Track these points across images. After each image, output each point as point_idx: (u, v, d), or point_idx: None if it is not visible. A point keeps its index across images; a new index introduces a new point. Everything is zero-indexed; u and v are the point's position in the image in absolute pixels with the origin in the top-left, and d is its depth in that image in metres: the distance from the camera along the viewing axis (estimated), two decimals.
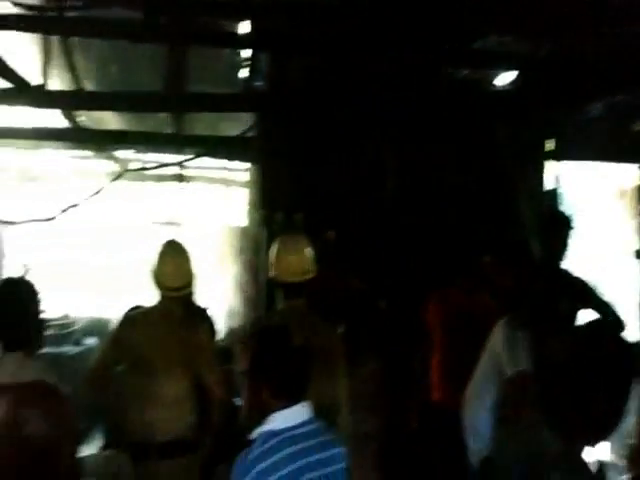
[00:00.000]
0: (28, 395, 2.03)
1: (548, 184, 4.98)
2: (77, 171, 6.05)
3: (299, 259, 2.91)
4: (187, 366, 3.00)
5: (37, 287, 2.19)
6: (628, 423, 1.70)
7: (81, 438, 5.78)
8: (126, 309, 3.23)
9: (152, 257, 3.11)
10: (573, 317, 3.15)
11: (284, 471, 1.80)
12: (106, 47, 4.64)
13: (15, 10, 3.39)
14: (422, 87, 3.90)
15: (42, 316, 2.20)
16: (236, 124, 4.84)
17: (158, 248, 3.12)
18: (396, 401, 3.89)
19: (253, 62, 4.25)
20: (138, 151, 5.23)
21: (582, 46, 3.46)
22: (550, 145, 4.79)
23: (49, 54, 4.03)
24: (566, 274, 3.33)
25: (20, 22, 3.28)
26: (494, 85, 4.40)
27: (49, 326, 4.31)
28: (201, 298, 3.83)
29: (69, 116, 4.83)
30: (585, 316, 3.17)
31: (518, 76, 4.17)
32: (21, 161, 6.28)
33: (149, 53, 4.75)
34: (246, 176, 6.69)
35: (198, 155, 4.52)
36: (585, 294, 3.27)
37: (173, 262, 3.06)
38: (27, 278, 2.40)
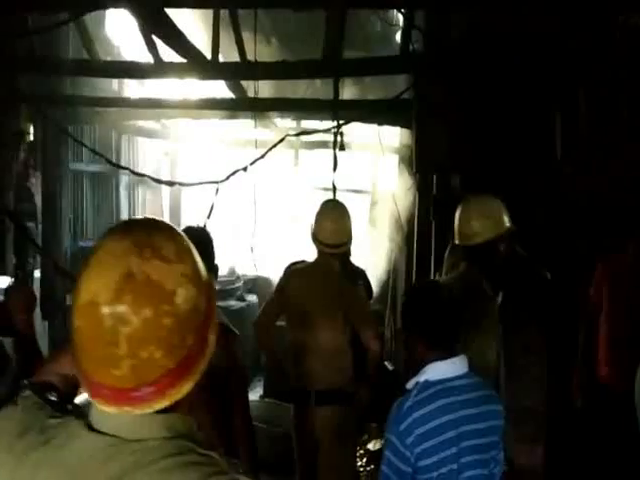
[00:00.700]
0: None
1: None
2: (241, 139, 6.48)
3: (494, 223, 2.74)
4: (344, 319, 3.13)
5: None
6: None
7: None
8: (288, 264, 3.42)
9: (312, 216, 3.27)
10: None
11: (439, 420, 1.82)
12: (269, 19, 4.89)
13: None
14: (595, 39, 3.62)
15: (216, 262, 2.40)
16: (386, 92, 4.87)
17: (318, 208, 3.27)
18: (560, 377, 3.73)
19: (409, 24, 4.23)
20: (296, 119, 5.46)
21: None
22: None
23: (218, 28, 4.33)
24: None
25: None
26: None
27: (217, 281, 4.71)
28: (357, 260, 3.97)
29: (234, 87, 5.18)
30: None
31: None
32: (193, 129, 6.83)
33: (307, 23, 4.93)
34: (397, 142, 6.72)
35: (351, 120, 4.61)
36: None
37: (332, 220, 3.19)
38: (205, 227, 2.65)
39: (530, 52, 3.74)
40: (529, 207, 4.03)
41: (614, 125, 3.85)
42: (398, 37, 4.57)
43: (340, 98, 4.66)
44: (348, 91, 5.12)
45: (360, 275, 3.83)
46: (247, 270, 6.91)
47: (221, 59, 4.38)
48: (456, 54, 3.91)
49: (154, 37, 4.27)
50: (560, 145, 3.97)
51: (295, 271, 3.28)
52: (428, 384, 1.87)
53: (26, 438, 0.95)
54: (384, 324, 6.33)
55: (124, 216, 7.76)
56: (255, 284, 7.19)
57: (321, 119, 5.39)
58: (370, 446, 4.88)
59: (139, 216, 1.02)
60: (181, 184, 4.57)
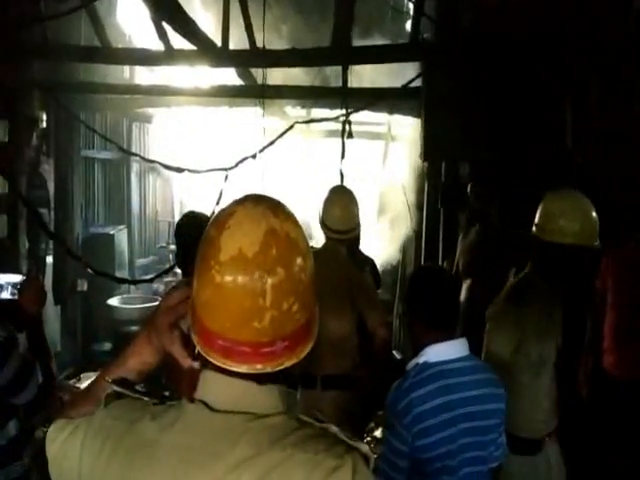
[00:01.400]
0: None
1: None
2: (251, 126, 6.49)
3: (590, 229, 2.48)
4: (351, 305, 3.14)
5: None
6: None
7: None
8: None
9: (320, 202, 3.29)
10: None
11: (437, 401, 1.83)
12: (278, 7, 4.89)
13: None
14: (608, 27, 3.59)
15: None
16: (397, 80, 4.86)
17: (326, 193, 3.29)
18: (566, 367, 3.73)
19: (419, 12, 4.22)
20: (305, 107, 5.47)
21: None
22: None
23: (228, 16, 4.34)
24: None
25: None
26: None
27: None
28: (366, 249, 3.98)
29: (244, 74, 5.19)
30: None
31: None
32: (202, 117, 6.85)
33: (318, 10, 4.92)
34: (406, 131, 6.70)
35: (361, 108, 4.61)
36: None
37: (340, 206, 3.20)
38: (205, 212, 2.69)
39: (541, 40, 3.71)
40: (539, 196, 4.02)
41: (625, 114, 3.83)
42: (408, 25, 4.55)
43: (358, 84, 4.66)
44: (368, 79, 5.10)
45: (368, 263, 3.85)
46: None
47: (231, 46, 4.40)
48: (466, 42, 3.90)
49: (165, 24, 4.30)
50: (571, 134, 3.95)
51: None
52: (427, 365, 1.88)
53: (137, 430, 0.95)
54: (392, 313, 6.35)
55: (135, 202, 7.81)
56: None
57: (331, 107, 5.38)
58: (377, 433, 4.91)
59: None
60: (190, 171, 4.60)
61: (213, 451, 0.91)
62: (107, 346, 6.22)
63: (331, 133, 6.59)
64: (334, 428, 0.95)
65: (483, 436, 1.88)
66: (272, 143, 4.37)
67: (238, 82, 5.30)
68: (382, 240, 6.66)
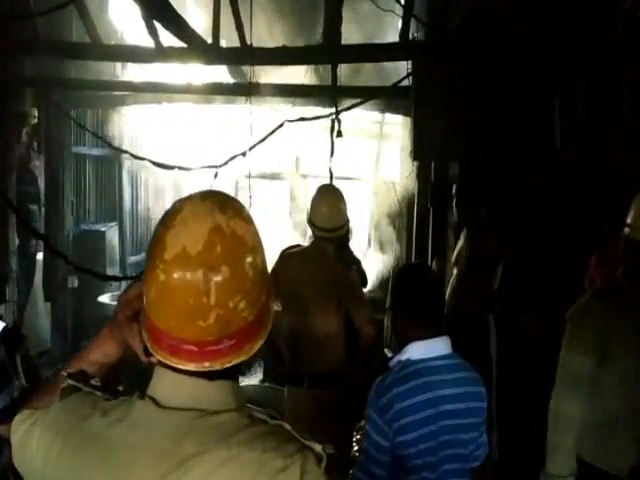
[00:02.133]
0: None
1: None
2: (242, 123, 6.49)
3: None
4: (338, 303, 3.16)
5: None
6: None
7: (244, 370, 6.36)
8: (283, 248, 3.45)
9: (309, 201, 3.30)
10: None
11: (418, 398, 1.84)
12: (269, 5, 4.89)
13: None
14: (595, 27, 3.60)
15: None
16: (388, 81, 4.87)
17: (315, 192, 3.30)
18: (556, 365, 3.75)
19: (409, 12, 4.22)
20: (296, 105, 5.47)
21: None
22: None
23: (218, 14, 4.34)
24: None
25: None
26: None
27: None
28: (357, 247, 4.00)
29: (235, 72, 5.19)
30: None
31: None
32: (193, 114, 6.84)
33: (308, 8, 4.93)
34: (398, 130, 6.72)
35: (352, 106, 4.62)
36: None
37: (327, 205, 3.21)
38: None
39: (529, 41, 3.73)
40: (528, 196, 4.05)
41: (613, 114, 3.84)
42: (399, 24, 4.56)
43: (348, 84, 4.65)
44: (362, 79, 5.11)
45: (354, 262, 3.86)
46: None
47: (222, 44, 4.40)
48: (455, 42, 3.91)
49: (155, 22, 4.29)
50: (559, 134, 3.97)
51: (290, 255, 3.32)
52: (409, 362, 1.89)
53: (86, 426, 0.95)
54: (383, 311, 6.37)
55: (126, 200, 7.80)
56: None
57: (323, 106, 5.39)
58: None
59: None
60: (181, 168, 4.60)
61: (158, 448, 0.91)
62: None
63: (323, 131, 6.60)
64: (288, 426, 0.94)
65: (464, 434, 1.89)
66: (262, 141, 4.38)
67: (230, 80, 5.31)
68: (373, 238, 6.68)
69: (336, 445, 2.78)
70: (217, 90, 5.06)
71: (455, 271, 4.26)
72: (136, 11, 4.61)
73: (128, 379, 1.11)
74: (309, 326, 3.16)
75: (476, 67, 3.87)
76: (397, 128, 6.74)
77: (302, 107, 5.81)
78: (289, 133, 5.76)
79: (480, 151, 4.04)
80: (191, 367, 0.92)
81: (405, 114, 5.75)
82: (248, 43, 4.24)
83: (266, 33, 4.79)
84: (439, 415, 1.85)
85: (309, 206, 3.28)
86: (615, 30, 3.82)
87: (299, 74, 5.17)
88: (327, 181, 4.37)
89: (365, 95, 4.62)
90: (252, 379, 6.08)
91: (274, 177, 7.83)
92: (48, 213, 5.86)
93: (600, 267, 3.60)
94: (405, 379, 1.87)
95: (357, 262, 3.90)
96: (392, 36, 5.09)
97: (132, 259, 7.88)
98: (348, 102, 4.63)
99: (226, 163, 4.36)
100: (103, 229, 6.73)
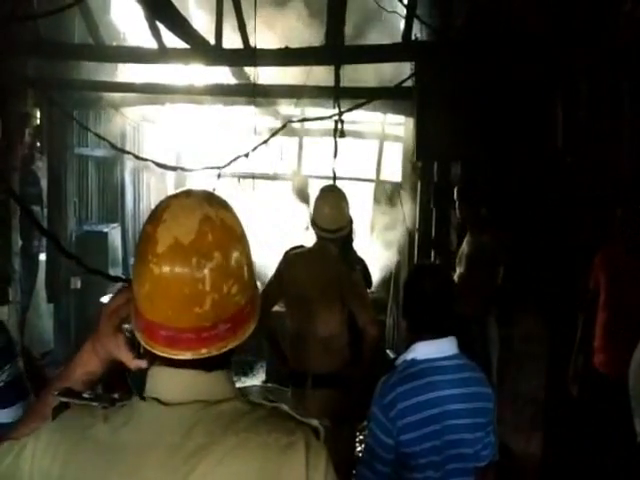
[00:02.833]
0: None
1: None
2: (244, 126, 6.50)
3: None
4: (342, 303, 3.16)
5: None
6: None
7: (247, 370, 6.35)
8: (287, 249, 3.45)
9: (312, 202, 3.30)
10: None
11: (422, 397, 1.86)
12: (271, 5, 4.89)
13: None
14: (597, 28, 3.60)
15: None
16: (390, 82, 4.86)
17: (318, 193, 3.30)
18: (559, 365, 3.76)
19: (411, 12, 4.23)
20: (299, 106, 5.48)
21: None
22: None
23: (221, 15, 4.34)
24: None
25: None
26: None
27: None
28: (360, 247, 4.00)
29: (238, 73, 5.19)
30: None
31: None
32: (195, 115, 6.85)
33: (311, 9, 4.93)
34: (400, 130, 6.72)
35: (355, 107, 4.62)
36: None
37: (330, 205, 3.22)
38: None
39: (532, 40, 3.73)
40: (530, 196, 4.05)
41: (615, 114, 3.84)
42: (402, 25, 4.56)
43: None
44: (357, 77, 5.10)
45: (358, 262, 3.86)
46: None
47: (225, 45, 4.40)
48: (457, 42, 3.91)
49: (158, 23, 4.30)
50: (561, 134, 3.97)
51: (294, 256, 3.32)
52: (414, 362, 1.91)
53: (90, 436, 0.96)
54: (386, 311, 6.37)
55: (129, 201, 7.80)
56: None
57: (325, 107, 5.39)
58: None
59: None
60: (183, 169, 4.61)
61: (168, 444, 0.93)
62: None
63: (326, 132, 6.60)
64: (284, 406, 0.98)
65: (469, 433, 1.90)
66: (265, 142, 4.38)
67: (232, 81, 5.31)
68: (376, 239, 6.68)
69: (340, 445, 2.80)
70: (220, 91, 5.07)
71: (457, 271, 4.26)
72: (138, 12, 4.63)
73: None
74: (313, 326, 3.16)
75: (478, 67, 3.87)
76: (399, 129, 6.74)
77: (302, 108, 5.83)
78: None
79: (482, 151, 4.04)
80: (189, 355, 0.95)
81: (407, 114, 5.75)
82: (250, 44, 4.24)
83: (268, 34, 4.79)
84: (443, 415, 1.86)
85: (312, 207, 3.28)
86: (617, 30, 3.82)
87: (299, 75, 5.17)
88: (329, 182, 4.37)
89: (368, 96, 4.62)
90: (254, 380, 6.09)
91: (275, 178, 7.83)
92: (51, 214, 5.86)
93: (603, 266, 3.61)
94: (409, 378, 1.89)
95: (361, 262, 3.90)
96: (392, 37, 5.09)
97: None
98: (350, 102, 4.63)
99: (229, 164, 4.37)
100: (105, 230, 6.73)
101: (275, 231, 6.66)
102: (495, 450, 2.01)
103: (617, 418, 3.16)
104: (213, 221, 0.95)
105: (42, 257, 5.82)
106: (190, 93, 5.17)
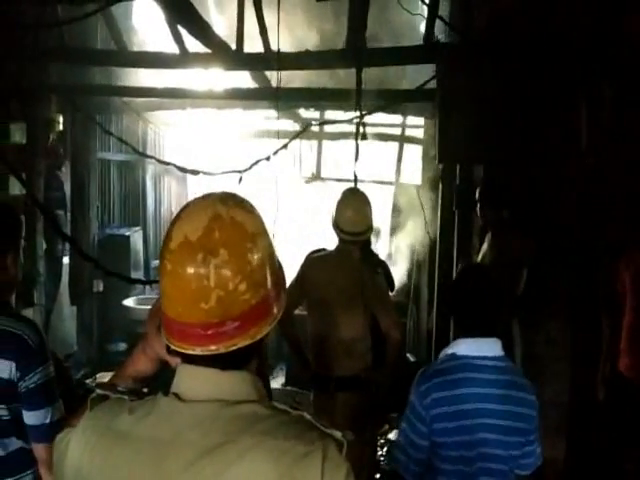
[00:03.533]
0: None
1: None
2: (265, 130, 6.53)
3: None
4: (364, 307, 3.15)
5: None
6: None
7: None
8: (309, 252, 3.45)
9: (334, 205, 3.29)
10: None
11: (457, 391, 1.91)
12: (292, 9, 4.89)
13: None
14: (622, 28, 3.56)
15: None
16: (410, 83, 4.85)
17: (340, 196, 3.29)
18: (583, 369, 3.71)
19: (433, 14, 4.21)
20: (319, 109, 5.49)
21: None
22: None
23: (242, 19, 4.36)
24: None
25: None
26: None
27: None
28: (381, 251, 3.98)
29: (258, 77, 5.21)
30: None
31: None
32: (216, 119, 6.89)
33: (332, 12, 4.93)
34: (420, 132, 6.69)
35: (375, 110, 4.61)
36: None
37: (352, 208, 3.21)
38: None
39: (555, 42, 3.69)
40: (553, 198, 4.01)
41: (638, 116, 3.79)
42: (422, 27, 4.54)
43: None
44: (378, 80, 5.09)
45: (380, 264, 3.84)
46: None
47: (246, 49, 4.42)
48: (480, 44, 3.88)
49: (180, 28, 4.33)
50: (585, 135, 3.92)
51: (315, 259, 3.31)
52: (454, 356, 1.97)
53: (116, 426, 0.99)
54: (406, 315, 6.34)
55: (150, 204, 7.88)
56: None
57: (345, 110, 5.39)
58: (391, 436, 4.89)
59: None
60: (205, 173, 4.64)
61: (184, 440, 0.94)
62: (122, 346, 6.27)
63: (345, 135, 6.60)
64: (308, 415, 0.96)
65: (504, 436, 1.91)
66: (285, 145, 4.39)
67: (252, 85, 5.33)
68: (396, 242, 6.65)
69: (361, 449, 2.79)
70: (242, 95, 5.09)
71: None
72: (160, 17, 4.67)
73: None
74: (335, 330, 3.15)
75: (501, 69, 3.84)
76: (418, 131, 6.71)
77: (321, 111, 5.83)
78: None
79: (505, 153, 4.01)
80: (198, 351, 0.96)
81: (427, 116, 5.73)
82: (272, 48, 4.24)
83: (289, 38, 4.80)
84: (476, 412, 1.90)
85: (334, 210, 3.27)
86: None
87: (318, 79, 5.18)
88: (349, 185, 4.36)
89: (390, 98, 4.60)
90: (274, 383, 6.09)
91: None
92: (74, 218, 5.94)
93: (629, 269, 3.56)
94: (446, 371, 1.95)
95: (384, 265, 3.88)
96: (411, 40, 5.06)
97: (155, 263, 7.95)
98: (370, 105, 4.62)
99: (250, 168, 4.38)
100: (127, 233, 6.79)
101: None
102: (540, 460, 2.02)
103: None
104: (223, 219, 0.96)
105: (66, 260, 5.89)
106: (212, 98, 5.20)
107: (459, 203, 4.49)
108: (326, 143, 7.51)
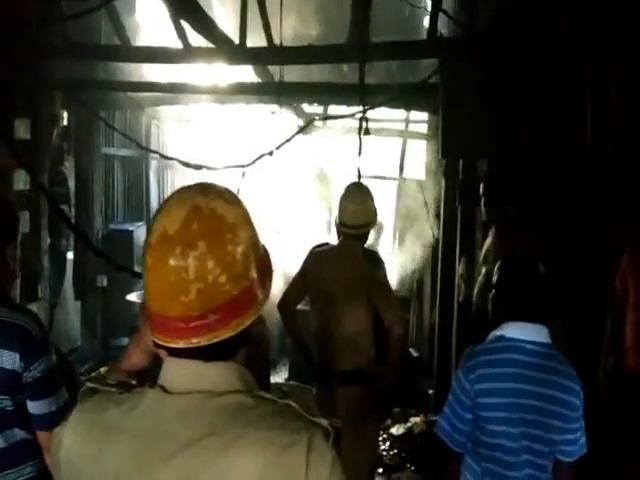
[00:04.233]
0: None
1: None
2: (268, 124, 6.52)
3: None
4: (367, 301, 3.15)
5: None
6: None
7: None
8: (312, 247, 3.45)
9: (337, 198, 3.30)
10: None
11: (501, 370, 2.00)
12: (295, 4, 4.89)
13: None
14: (627, 22, 3.54)
15: None
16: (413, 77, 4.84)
17: (343, 190, 3.30)
18: (585, 367, 3.69)
19: (437, 8, 4.19)
20: (322, 103, 5.48)
21: None
22: None
23: (245, 13, 4.36)
24: None
25: None
26: None
27: None
28: (384, 246, 3.98)
29: (261, 72, 5.22)
30: None
31: None
32: (220, 114, 6.89)
33: (335, 6, 4.93)
34: (423, 128, 6.69)
35: (378, 104, 4.60)
36: None
37: (354, 202, 3.21)
38: None
39: (560, 36, 3.67)
40: (558, 193, 4.00)
41: None
42: (426, 22, 4.54)
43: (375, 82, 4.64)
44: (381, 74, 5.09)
45: (375, 257, 3.83)
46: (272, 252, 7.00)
47: (249, 44, 4.42)
48: (484, 38, 3.87)
49: (183, 22, 4.33)
50: (591, 131, 3.91)
51: (318, 253, 3.32)
52: (503, 338, 2.05)
53: (104, 418, 0.99)
54: (409, 310, 6.34)
55: (153, 199, 7.89)
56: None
57: (348, 105, 5.39)
58: (393, 430, 4.90)
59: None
60: (208, 168, 4.64)
61: (167, 432, 0.93)
62: (126, 341, 6.27)
63: (349, 130, 6.60)
64: (294, 404, 0.95)
65: (547, 418, 1.98)
66: (289, 140, 4.39)
67: (255, 79, 5.33)
68: (399, 237, 6.66)
69: (363, 444, 2.80)
70: (245, 90, 5.09)
71: (483, 270, 4.21)
72: (163, 12, 4.67)
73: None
74: (338, 324, 3.16)
75: (505, 63, 3.83)
76: (422, 126, 6.71)
77: (323, 106, 5.82)
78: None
79: (509, 149, 4.00)
80: (181, 344, 0.95)
81: (431, 111, 5.72)
82: (275, 42, 4.24)
83: (291, 33, 4.79)
84: (519, 392, 1.98)
85: (337, 205, 3.28)
86: None
87: (322, 75, 5.17)
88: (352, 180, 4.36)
89: (393, 93, 4.60)
90: (277, 378, 6.11)
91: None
92: (78, 213, 5.96)
93: (632, 266, 3.54)
94: (493, 351, 2.04)
95: (377, 256, 3.89)
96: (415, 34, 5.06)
97: None
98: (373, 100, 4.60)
99: (253, 162, 4.38)
100: (131, 228, 6.81)
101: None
102: (583, 450, 2.07)
103: None
104: (202, 211, 0.95)
105: (70, 255, 5.91)
106: (214, 92, 5.20)
107: (462, 198, 4.49)
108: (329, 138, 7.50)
